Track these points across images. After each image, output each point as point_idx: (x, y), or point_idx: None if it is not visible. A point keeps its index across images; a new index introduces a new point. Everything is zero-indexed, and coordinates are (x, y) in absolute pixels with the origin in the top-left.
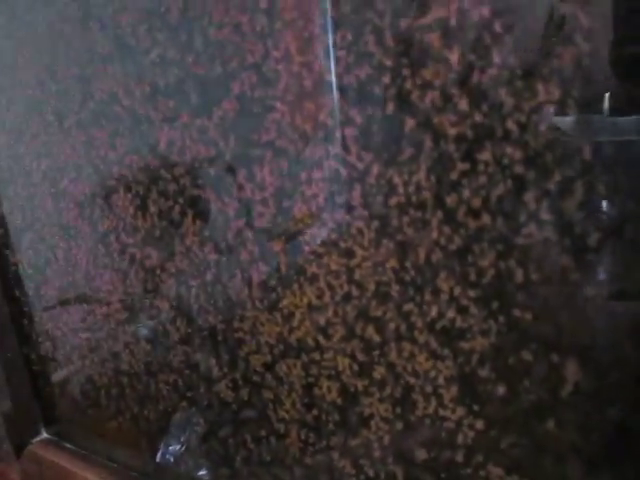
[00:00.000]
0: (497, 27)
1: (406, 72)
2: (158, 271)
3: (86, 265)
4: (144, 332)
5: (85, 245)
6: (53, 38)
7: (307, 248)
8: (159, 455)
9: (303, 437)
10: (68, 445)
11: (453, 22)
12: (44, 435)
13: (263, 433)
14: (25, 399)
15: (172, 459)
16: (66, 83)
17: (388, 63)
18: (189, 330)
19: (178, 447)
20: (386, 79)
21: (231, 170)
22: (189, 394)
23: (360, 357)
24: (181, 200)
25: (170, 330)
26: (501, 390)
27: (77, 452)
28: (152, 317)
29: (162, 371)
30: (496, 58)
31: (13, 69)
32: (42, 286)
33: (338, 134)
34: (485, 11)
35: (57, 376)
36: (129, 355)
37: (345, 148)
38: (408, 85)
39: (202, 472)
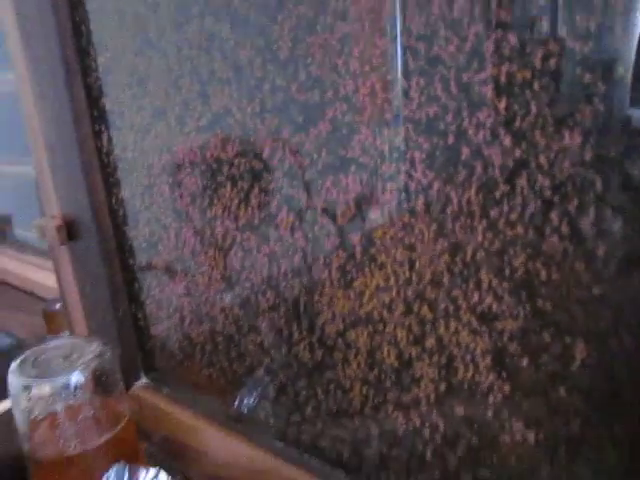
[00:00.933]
0: (535, 86)
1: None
2: (253, 251)
3: (191, 243)
4: (232, 299)
5: (189, 227)
6: (180, 60)
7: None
8: (235, 405)
9: (364, 392)
10: (164, 390)
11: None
12: (144, 380)
13: (331, 388)
14: (131, 350)
15: (246, 410)
16: (186, 97)
17: (452, 105)
18: (273, 300)
19: (252, 400)
20: (449, 117)
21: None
22: (268, 355)
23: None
24: (276, 196)
25: (255, 299)
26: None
27: (171, 396)
28: (242, 287)
29: (246, 334)
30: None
31: (144, 82)
32: (152, 258)
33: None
34: (527, 74)
35: (157, 332)
36: (218, 318)
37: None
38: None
39: (271, 421)
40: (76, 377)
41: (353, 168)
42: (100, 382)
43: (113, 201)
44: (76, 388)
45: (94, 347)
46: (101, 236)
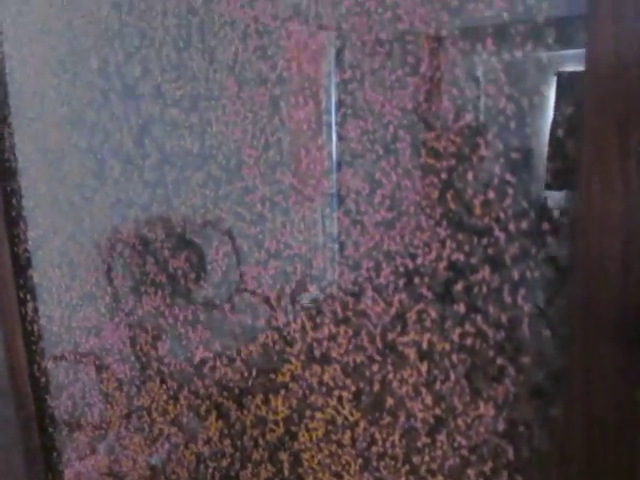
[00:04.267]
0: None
1: None
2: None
3: (117, 424)
4: (154, 461)
5: (114, 408)
6: (115, 260)
7: None
8: None
9: None
10: None
11: None
12: None
13: None
14: None
15: None
16: (118, 289)
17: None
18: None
19: None
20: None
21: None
22: None
23: None
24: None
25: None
26: None
27: None
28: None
29: None
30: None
31: (74, 263)
32: (74, 428)
33: None
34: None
35: None
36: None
37: None
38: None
39: None
40: None
41: (282, 394)
42: None
43: (35, 369)
44: None
45: None
46: (19, 403)
